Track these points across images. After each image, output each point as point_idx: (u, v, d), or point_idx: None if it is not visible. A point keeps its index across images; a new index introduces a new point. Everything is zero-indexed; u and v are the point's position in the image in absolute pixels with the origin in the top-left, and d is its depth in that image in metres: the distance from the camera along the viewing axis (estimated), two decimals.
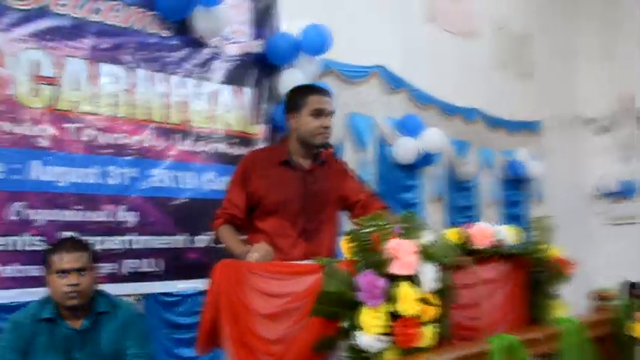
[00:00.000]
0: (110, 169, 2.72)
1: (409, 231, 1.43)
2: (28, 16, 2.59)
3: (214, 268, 1.79)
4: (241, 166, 2.23)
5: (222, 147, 3.15)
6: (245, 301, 1.64)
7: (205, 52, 3.17)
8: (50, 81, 2.61)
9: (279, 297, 1.56)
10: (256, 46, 3.42)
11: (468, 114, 5.01)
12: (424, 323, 1.33)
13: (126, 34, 2.86)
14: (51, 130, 2.58)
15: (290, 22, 3.57)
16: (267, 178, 2.16)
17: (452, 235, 1.71)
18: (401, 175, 4.21)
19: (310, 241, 2.15)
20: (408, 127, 4.19)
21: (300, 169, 2.21)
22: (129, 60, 2.85)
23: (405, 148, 4.13)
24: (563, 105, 6.20)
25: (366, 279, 1.34)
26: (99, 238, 2.62)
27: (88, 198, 2.63)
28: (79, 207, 2.60)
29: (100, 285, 2.59)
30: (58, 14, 2.67)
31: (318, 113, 2.18)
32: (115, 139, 2.75)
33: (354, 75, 4.05)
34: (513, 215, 5.14)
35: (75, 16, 2.71)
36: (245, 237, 2.24)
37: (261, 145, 3.26)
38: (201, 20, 3.06)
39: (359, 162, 3.98)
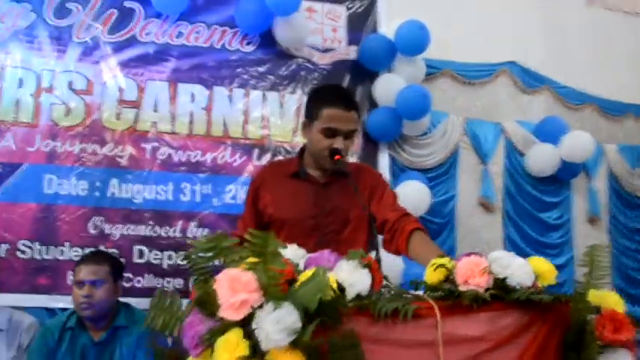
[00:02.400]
0: (183, 186, 2.78)
1: (269, 258, 1.01)
2: (117, 48, 2.82)
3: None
4: (252, 183, 2.00)
5: None
6: None
7: (290, 64, 3.07)
8: (132, 104, 2.80)
9: None
10: (350, 53, 3.21)
11: None
12: None
13: (206, 53, 2.93)
14: (130, 149, 2.75)
15: (390, 23, 3.28)
16: (276, 192, 1.90)
17: (433, 268, 1.26)
18: (538, 190, 3.52)
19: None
20: (548, 133, 3.49)
21: (313, 182, 1.91)
22: (207, 78, 2.91)
23: (541, 157, 3.44)
24: None
25: (189, 320, 1.04)
26: (168, 254, 2.70)
27: (161, 214, 2.73)
28: (152, 222, 2.71)
29: None
30: (143, 42, 2.85)
31: (331, 134, 1.80)
32: (189, 156, 2.81)
33: (475, 75, 3.54)
34: None
35: (158, 42, 2.87)
36: None
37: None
38: (281, 31, 2.98)
39: (480, 175, 3.45)
